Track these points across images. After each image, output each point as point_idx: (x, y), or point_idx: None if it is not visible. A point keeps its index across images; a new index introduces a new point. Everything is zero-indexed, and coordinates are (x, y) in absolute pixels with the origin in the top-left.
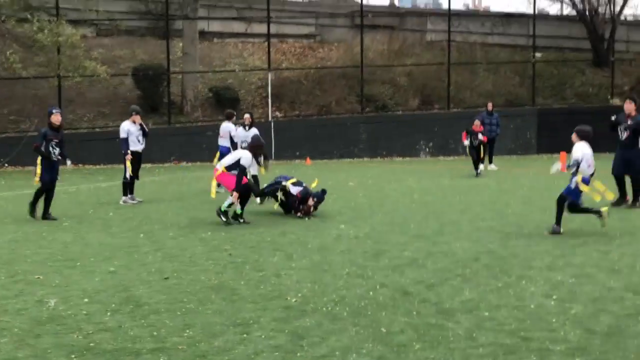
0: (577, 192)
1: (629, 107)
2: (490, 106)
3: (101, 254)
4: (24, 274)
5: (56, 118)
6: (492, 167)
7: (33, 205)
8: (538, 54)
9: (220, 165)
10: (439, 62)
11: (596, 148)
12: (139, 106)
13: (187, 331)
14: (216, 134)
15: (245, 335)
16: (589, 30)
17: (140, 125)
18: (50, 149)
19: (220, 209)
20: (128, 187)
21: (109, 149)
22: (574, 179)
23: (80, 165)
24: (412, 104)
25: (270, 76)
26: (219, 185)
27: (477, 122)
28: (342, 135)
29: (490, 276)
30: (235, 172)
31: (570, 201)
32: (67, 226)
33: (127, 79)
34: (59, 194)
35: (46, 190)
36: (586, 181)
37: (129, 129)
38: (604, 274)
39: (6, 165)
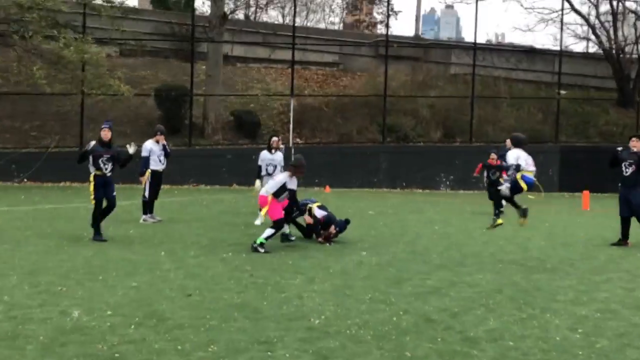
0: (515, 188)
1: (636, 144)
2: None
3: (123, 269)
4: (47, 285)
5: (104, 134)
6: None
7: (96, 226)
8: (563, 91)
9: (267, 192)
10: (463, 95)
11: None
12: None
13: (212, 347)
14: (236, 157)
15: (269, 353)
16: (615, 69)
17: (164, 145)
18: (101, 164)
19: (255, 243)
20: (148, 206)
21: (129, 168)
22: (511, 176)
23: None
24: (434, 136)
25: (292, 102)
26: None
27: (493, 156)
28: (362, 164)
29: (514, 307)
30: (281, 198)
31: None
32: (88, 242)
33: (150, 99)
34: (78, 210)
35: (100, 208)
36: (527, 180)
37: (152, 148)
38: (629, 310)
39: (26, 180)
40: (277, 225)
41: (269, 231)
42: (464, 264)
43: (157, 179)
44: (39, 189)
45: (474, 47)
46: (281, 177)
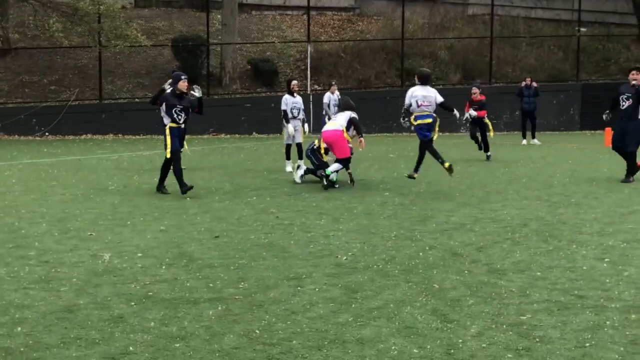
0: (420, 132)
1: (637, 77)
2: (529, 81)
3: (150, 215)
4: (77, 231)
5: (182, 84)
6: (535, 142)
7: (180, 180)
8: (583, 29)
9: (339, 126)
10: (481, 35)
11: None
12: None
13: (242, 284)
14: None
15: (299, 288)
16: (635, 4)
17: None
18: (175, 115)
19: (326, 173)
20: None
21: (148, 119)
22: (409, 120)
23: (120, 135)
24: (453, 79)
25: (309, 49)
26: (326, 151)
27: (474, 90)
28: (381, 109)
29: (540, 240)
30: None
31: (425, 140)
32: (114, 190)
33: (166, 50)
34: (101, 161)
35: (178, 159)
36: (419, 118)
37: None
38: None
39: (47, 134)
40: (345, 161)
41: (336, 165)
42: (488, 201)
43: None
44: (60, 142)
45: None
46: (345, 114)
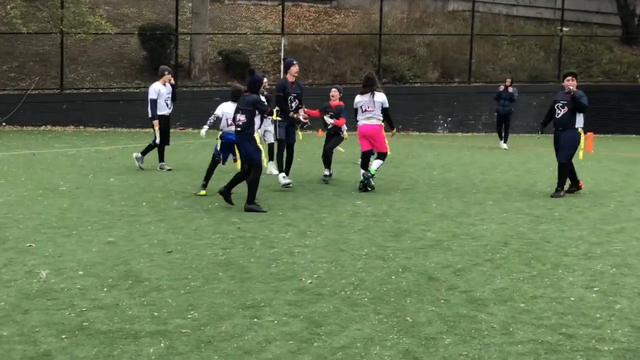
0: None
1: (571, 83)
2: (508, 82)
3: (100, 222)
4: (15, 241)
5: (295, 69)
6: (504, 145)
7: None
8: (565, 28)
9: (376, 120)
10: (461, 32)
11: (625, 130)
12: (145, 67)
13: (192, 312)
14: (223, 99)
15: (255, 320)
16: (619, 5)
17: (173, 87)
18: (290, 103)
19: (370, 173)
20: (160, 154)
21: (112, 111)
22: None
23: (81, 127)
24: (432, 76)
25: (283, 41)
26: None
27: (333, 93)
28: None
29: (523, 263)
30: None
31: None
32: (65, 191)
33: (133, 38)
34: (57, 156)
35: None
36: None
37: (160, 90)
38: None
39: (4, 124)
40: (385, 156)
41: (378, 162)
42: (467, 214)
43: (167, 124)
44: (17, 134)
45: None
46: (381, 101)
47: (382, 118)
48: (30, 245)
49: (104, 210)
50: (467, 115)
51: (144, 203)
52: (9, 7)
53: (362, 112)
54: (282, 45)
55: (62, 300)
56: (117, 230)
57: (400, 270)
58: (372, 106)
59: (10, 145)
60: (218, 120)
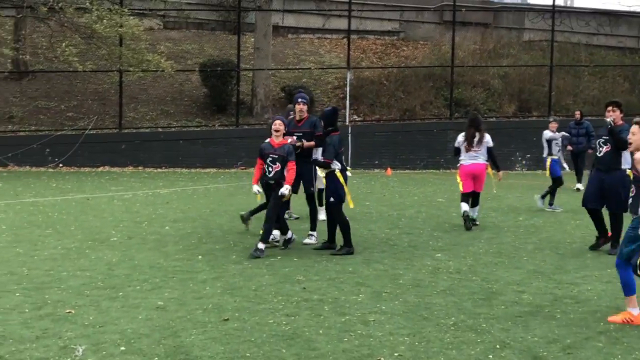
0: None
1: (613, 114)
2: (578, 115)
3: (150, 281)
4: (54, 305)
5: (298, 107)
6: (578, 185)
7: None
8: None
9: (483, 159)
10: (539, 64)
11: None
12: (206, 105)
13: None
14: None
15: None
16: None
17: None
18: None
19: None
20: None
21: (171, 150)
22: None
23: (140, 167)
24: (508, 110)
25: (349, 75)
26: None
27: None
28: (427, 143)
29: None
30: None
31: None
32: (116, 242)
33: (194, 75)
34: (112, 200)
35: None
36: None
37: None
38: None
39: (61, 165)
40: (478, 196)
41: (476, 209)
42: (564, 269)
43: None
44: (73, 175)
45: (552, 10)
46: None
47: (487, 158)
48: (69, 312)
49: (155, 265)
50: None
51: (199, 256)
52: (64, 44)
53: (466, 151)
54: (348, 79)
55: None
56: (168, 291)
57: (498, 346)
58: (479, 146)
59: (64, 188)
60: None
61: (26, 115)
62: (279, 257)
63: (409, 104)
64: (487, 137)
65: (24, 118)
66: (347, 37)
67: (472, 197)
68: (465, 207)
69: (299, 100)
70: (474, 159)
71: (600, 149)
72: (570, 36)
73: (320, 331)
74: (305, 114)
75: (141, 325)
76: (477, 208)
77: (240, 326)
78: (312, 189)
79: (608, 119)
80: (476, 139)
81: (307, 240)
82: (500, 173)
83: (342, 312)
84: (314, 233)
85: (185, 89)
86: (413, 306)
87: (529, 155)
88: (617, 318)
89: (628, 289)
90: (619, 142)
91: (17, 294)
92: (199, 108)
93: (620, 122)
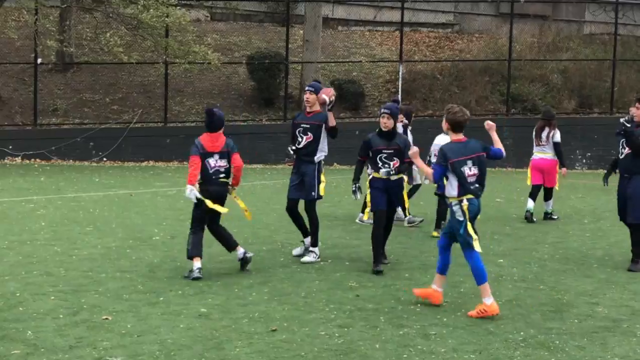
0: None
1: (637, 112)
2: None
3: (193, 285)
4: (90, 310)
5: (305, 96)
6: None
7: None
8: None
9: (552, 155)
10: (601, 58)
11: None
12: (253, 98)
13: None
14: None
15: None
16: None
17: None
18: (299, 135)
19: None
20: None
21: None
22: None
23: (185, 162)
24: (568, 106)
25: (401, 69)
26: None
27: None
28: (483, 139)
29: None
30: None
31: None
32: (158, 241)
33: (241, 68)
34: (156, 196)
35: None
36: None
37: None
38: None
39: (105, 159)
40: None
41: (550, 203)
42: (639, 279)
43: None
44: (117, 170)
45: (616, 2)
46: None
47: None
48: (106, 318)
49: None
50: (609, 149)
51: None
52: (108, 34)
53: (536, 145)
54: (400, 73)
55: None
56: (211, 297)
57: None
58: (547, 141)
59: (107, 183)
60: None
61: (70, 107)
62: (329, 261)
63: (464, 99)
64: (556, 133)
65: (68, 111)
66: (399, 29)
67: (544, 192)
68: (530, 204)
69: (306, 88)
70: (542, 153)
71: (622, 150)
72: (634, 29)
73: (377, 345)
74: (316, 106)
75: (182, 335)
76: (550, 202)
77: (289, 338)
78: (313, 194)
79: (623, 118)
80: (544, 133)
81: (306, 259)
82: (564, 170)
83: (400, 323)
84: (315, 249)
85: (232, 82)
86: (477, 318)
87: (589, 154)
88: None
89: None
90: (633, 144)
91: (52, 297)
92: (245, 102)
93: None
